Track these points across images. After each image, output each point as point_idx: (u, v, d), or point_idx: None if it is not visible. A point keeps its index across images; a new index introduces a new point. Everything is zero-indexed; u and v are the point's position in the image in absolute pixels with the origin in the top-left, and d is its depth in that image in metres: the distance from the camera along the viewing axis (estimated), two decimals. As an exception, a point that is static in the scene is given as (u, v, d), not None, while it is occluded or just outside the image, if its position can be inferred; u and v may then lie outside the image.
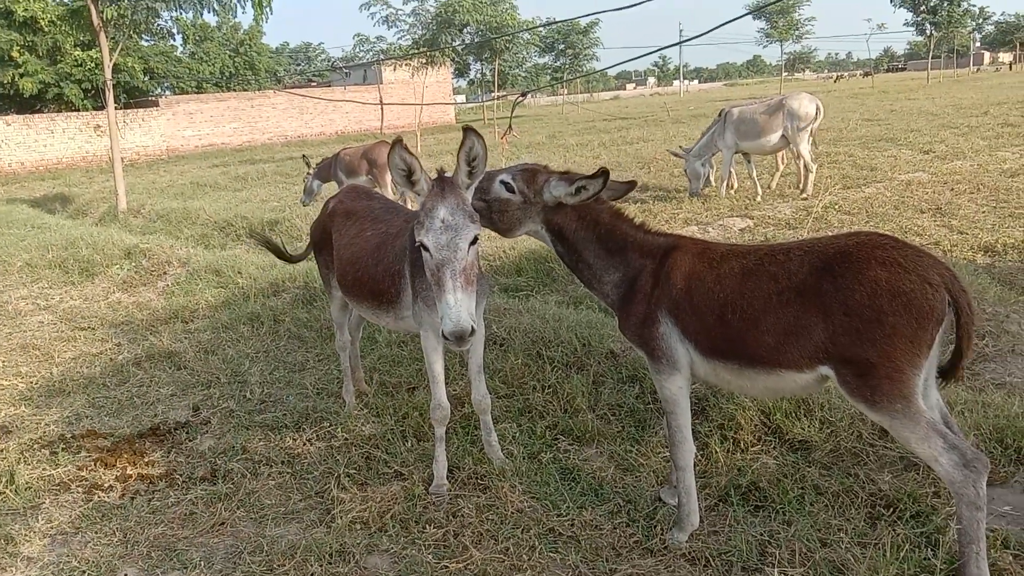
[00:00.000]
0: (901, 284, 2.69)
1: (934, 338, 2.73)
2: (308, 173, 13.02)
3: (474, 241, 3.18)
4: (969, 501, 2.71)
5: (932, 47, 54.30)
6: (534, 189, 3.38)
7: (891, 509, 3.44)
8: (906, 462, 3.77)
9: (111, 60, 14.75)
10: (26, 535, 3.84)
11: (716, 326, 3.04)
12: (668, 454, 3.84)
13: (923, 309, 2.67)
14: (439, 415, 4.00)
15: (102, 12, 14.24)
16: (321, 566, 3.37)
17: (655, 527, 3.47)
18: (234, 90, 48.46)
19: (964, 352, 2.77)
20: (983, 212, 9.24)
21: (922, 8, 50.91)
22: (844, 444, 3.96)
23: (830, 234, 8.13)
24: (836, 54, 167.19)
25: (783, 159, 12.37)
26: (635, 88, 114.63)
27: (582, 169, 4.53)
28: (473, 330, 3.03)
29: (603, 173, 3.22)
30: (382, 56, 30.18)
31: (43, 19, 37.64)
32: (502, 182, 3.41)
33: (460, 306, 3.03)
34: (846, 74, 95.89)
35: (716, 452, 3.95)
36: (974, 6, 55.97)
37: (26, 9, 36.94)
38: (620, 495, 3.74)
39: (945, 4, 50.30)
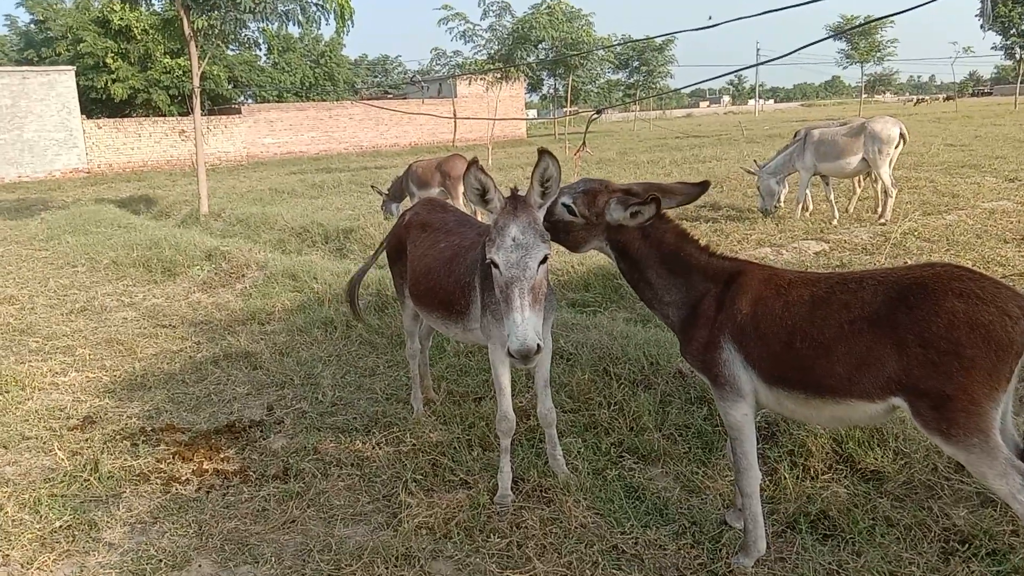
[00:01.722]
0: (979, 316, 2.63)
1: (1012, 371, 2.67)
2: (383, 198, 13.16)
3: (544, 260, 3.21)
4: (1050, 542, 2.63)
5: (1021, 71, 52.41)
6: (595, 211, 3.39)
7: (966, 545, 3.34)
8: (983, 497, 3.66)
9: (199, 68, 15.31)
10: (108, 522, 4.02)
11: (783, 354, 3.01)
12: (734, 477, 3.81)
13: (1002, 341, 2.62)
14: (505, 427, 4.05)
15: (193, 22, 14.81)
16: (387, 568, 3.44)
17: (720, 550, 3.45)
18: (313, 100, 49.66)
19: None
20: (1073, 244, 8.89)
21: (1012, 32, 49.22)
22: (918, 476, 3.86)
23: (903, 264, 7.97)
24: (919, 77, 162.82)
25: (860, 182, 12.11)
26: (708, 106, 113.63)
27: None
28: (539, 348, 3.06)
29: (653, 200, 3.21)
30: (458, 70, 30.58)
31: (137, 28, 39.39)
32: (564, 205, 3.42)
33: (527, 324, 3.06)
34: (927, 98, 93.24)
35: (785, 478, 3.90)
36: (1068, 29, 53.81)
37: (122, 18, 38.71)
38: (685, 516, 3.72)
39: (1037, 27, 48.56)
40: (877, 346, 2.79)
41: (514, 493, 4.02)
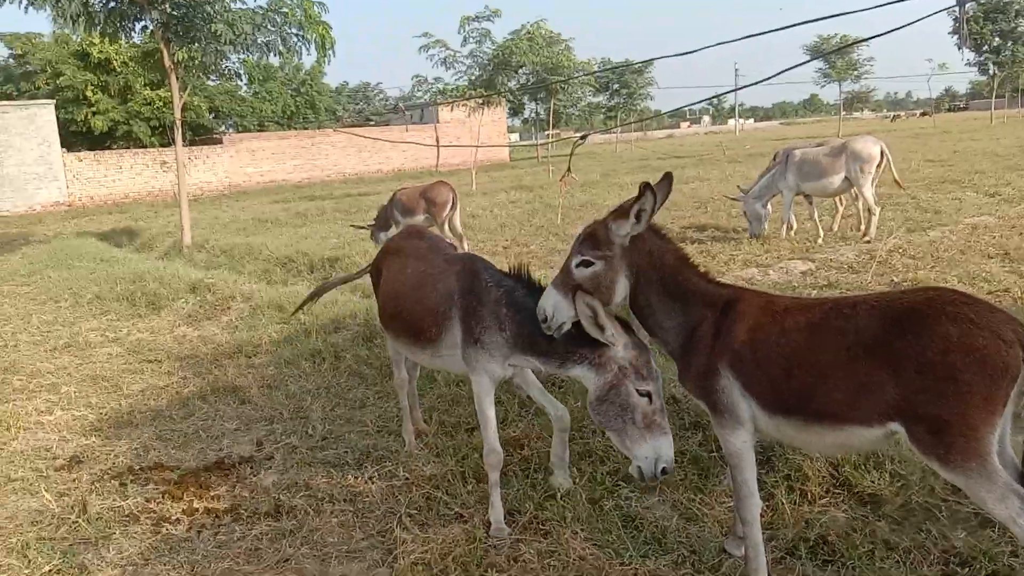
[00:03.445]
0: (974, 341, 2.63)
1: (1009, 396, 2.66)
2: (371, 228, 13.10)
3: None
4: (1051, 565, 2.62)
5: (996, 87, 53.28)
6: (605, 243, 3.36)
7: (966, 568, 3.33)
8: (981, 519, 3.65)
9: (180, 100, 15.28)
10: (98, 565, 3.94)
11: (781, 381, 3.00)
12: (732, 504, 3.79)
13: (997, 366, 2.61)
14: (493, 459, 4.03)
15: (174, 54, 14.80)
16: (384, 607, 3.38)
17: (721, 579, 3.42)
18: (295, 128, 49.70)
19: None
20: (1054, 258, 8.98)
21: (985, 48, 50.09)
22: (915, 499, 3.85)
23: (890, 282, 8.02)
24: (895, 93, 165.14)
25: (841, 200, 12.23)
26: (689, 126, 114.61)
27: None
28: None
29: (646, 186, 3.22)
30: (440, 97, 30.71)
31: (116, 60, 39.42)
32: (578, 265, 3.39)
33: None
34: (903, 114, 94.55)
35: (783, 504, 3.87)
36: (1039, 45, 54.82)
37: (101, 51, 38.73)
38: (684, 545, 3.69)
39: (1009, 44, 49.41)
40: (874, 372, 2.78)
41: (510, 526, 3.98)
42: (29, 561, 3.95)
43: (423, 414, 5.53)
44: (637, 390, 3.41)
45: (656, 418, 3.40)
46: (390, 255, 4.85)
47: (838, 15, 6.07)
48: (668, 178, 3.51)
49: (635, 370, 3.43)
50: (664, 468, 3.37)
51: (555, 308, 3.43)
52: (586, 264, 3.37)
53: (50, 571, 3.87)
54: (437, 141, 31.51)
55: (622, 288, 3.40)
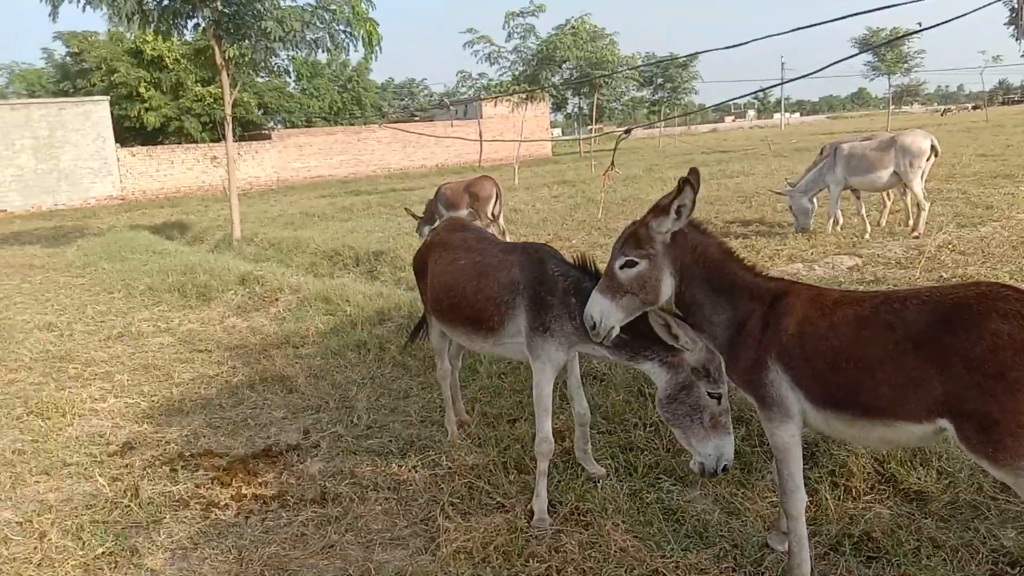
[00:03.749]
0: None
1: None
2: (418, 221, 13.22)
3: None
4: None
5: (1054, 79, 51.67)
6: (647, 241, 3.34)
7: (1016, 567, 3.27)
8: (1032, 518, 3.59)
9: (231, 96, 15.56)
10: (149, 548, 4.05)
11: (829, 375, 2.97)
12: (775, 499, 3.77)
13: None
14: (545, 448, 4.05)
15: (225, 52, 15.07)
16: (427, 593, 3.43)
17: (763, 574, 3.40)
18: (341, 124, 50.21)
19: None
20: (1114, 255, 8.72)
21: (1043, 39, 48.60)
22: (963, 496, 3.79)
23: (939, 277, 7.85)
24: (947, 86, 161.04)
25: (889, 195, 12.01)
26: (734, 120, 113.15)
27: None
28: None
29: (684, 182, 3.20)
30: (484, 92, 30.82)
31: (169, 57, 40.26)
32: (622, 267, 3.37)
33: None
34: (953, 108, 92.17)
35: (827, 500, 3.84)
36: (1101, 36, 52.96)
37: (154, 48, 39.59)
38: (726, 539, 3.68)
39: (1069, 34, 47.91)
40: (922, 367, 2.74)
41: (552, 516, 4.01)
42: (84, 543, 4.08)
43: (465, 405, 5.59)
44: (709, 392, 3.48)
45: (722, 418, 3.48)
46: (436, 247, 4.88)
47: (890, 6, 5.96)
48: (694, 173, 3.46)
49: (707, 373, 3.48)
50: (725, 465, 3.47)
51: (603, 314, 3.42)
52: (630, 264, 3.35)
53: (103, 553, 3.99)
54: (480, 136, 31.60)
55: (668, 286, 3.37)
